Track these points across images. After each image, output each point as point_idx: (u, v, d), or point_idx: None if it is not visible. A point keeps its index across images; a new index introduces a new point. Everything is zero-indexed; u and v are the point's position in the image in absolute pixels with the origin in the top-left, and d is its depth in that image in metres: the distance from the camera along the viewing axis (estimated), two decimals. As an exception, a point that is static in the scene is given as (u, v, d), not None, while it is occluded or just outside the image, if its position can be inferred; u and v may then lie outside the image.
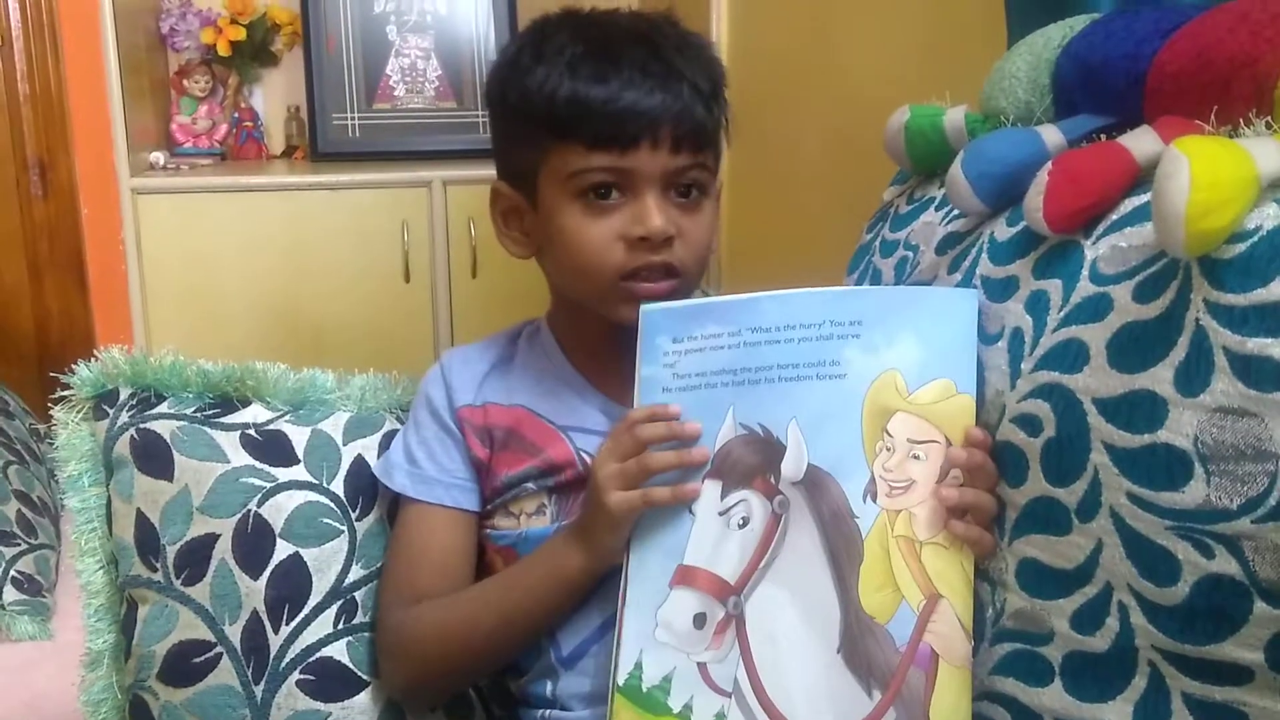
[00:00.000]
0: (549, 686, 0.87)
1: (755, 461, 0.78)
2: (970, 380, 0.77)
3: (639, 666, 0.77)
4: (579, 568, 0.83)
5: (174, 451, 0.94)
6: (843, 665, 0.74)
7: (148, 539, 0.93)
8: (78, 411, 0.96)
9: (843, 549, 0.76)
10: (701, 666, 0.76)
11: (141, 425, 0.95)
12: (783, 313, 0.79)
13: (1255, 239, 0.63)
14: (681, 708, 0.76)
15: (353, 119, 2.29)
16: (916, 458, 0.77)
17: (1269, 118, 0.67)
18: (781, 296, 0.80)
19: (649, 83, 0.83)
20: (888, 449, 0.77)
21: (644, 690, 0.77)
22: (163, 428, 0.95)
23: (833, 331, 0.78)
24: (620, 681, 0.78)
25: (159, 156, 2.22)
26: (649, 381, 0.81)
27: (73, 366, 0.97)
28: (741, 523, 0.78)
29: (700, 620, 0.77)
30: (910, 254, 0.97)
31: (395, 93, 2.31)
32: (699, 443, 0.78)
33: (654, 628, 0.77)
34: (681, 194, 0.87)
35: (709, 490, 0.78)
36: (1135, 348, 0.68)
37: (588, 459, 0.89)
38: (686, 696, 0.76)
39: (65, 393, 0.97)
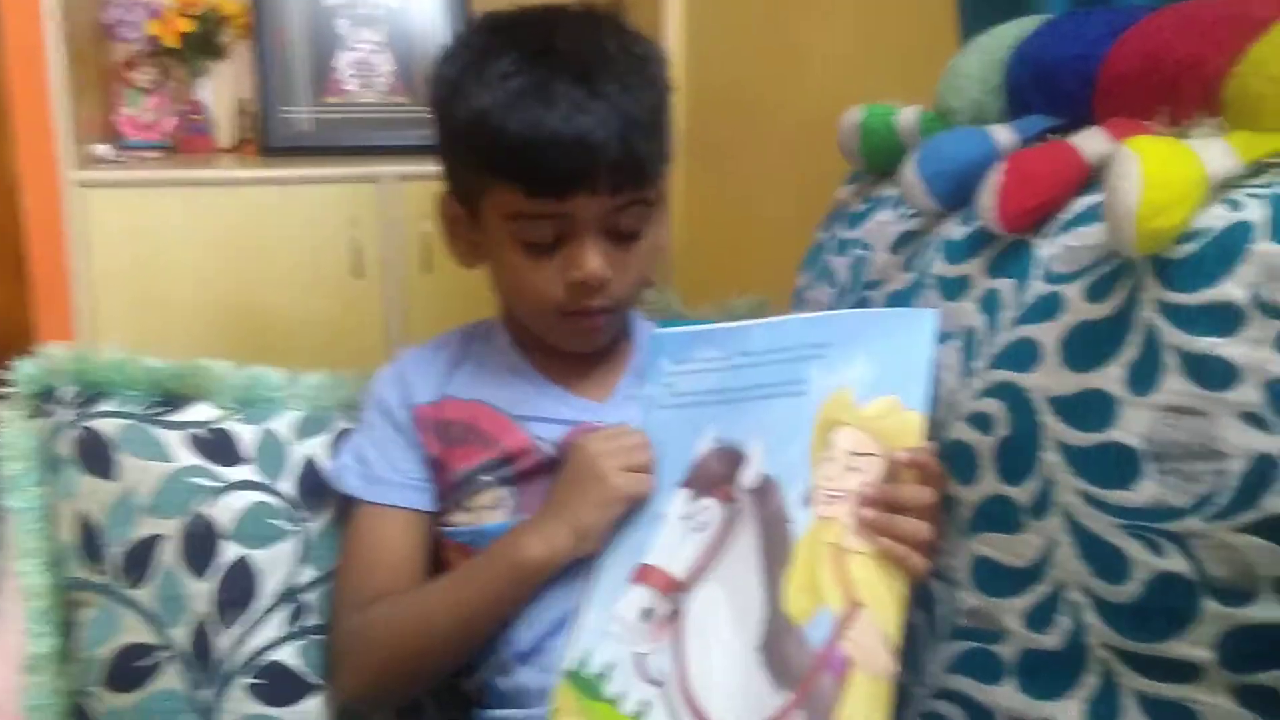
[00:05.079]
0: (505, 683, 0.86)
1: (722, 471, 0.82)
2: (920, 397, 0.78)
3: (587, 655, 0.81)
4: (541, 558, 0.83)
5: (118, 451, 0.92)
6: (759, 663, 0.75)
7: (91, 540, 0.91)
8: (19, 409, 0.94)
9: (775, 551, 0.78)
10: (640, 658, 0.79)
11: (85, 424, 0.93)
12: (768, 338, 0.86)
13: (1205, 239, 0.64)
14: (615, 695, 0.78)
15: (303, 113, 2.26)
16: (854, 469, 0.77)
17: (1218, 118, 0.68)
18: (770, 324, 0.88)
19: (585, 124, 0.82)
20: (829, 459, 0.78)
21: (586, 677, 0.80)
22: (107, 426, 0.93)
23: (803, 353, 0.83)
24: (568, 668, 0.81)
25: (105, 149, 2.17)
26: (649, 399, 0.90)
27: (13, 363, 0.94)
28: (701, 526, 0.81)
29: (647, 615, 0.80)
30: (865, 253, 0.97)
31: (346, 87, 2.28)
32: (680, 455, 0.84)
33: (609, 621, 0.81)
34: (621, 235, 0.87)
35: (680, 497, 0.83)
36: (1087, 347, 0.68)
37: (547, 447, 0.89)
38: (621, 686, 0.78)
39: (6, 390, 0.94)
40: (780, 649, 0.75)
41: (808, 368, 0.83)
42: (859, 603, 0.74)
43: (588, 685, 0.80)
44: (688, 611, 0.79)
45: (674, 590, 0.80)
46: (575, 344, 0.93)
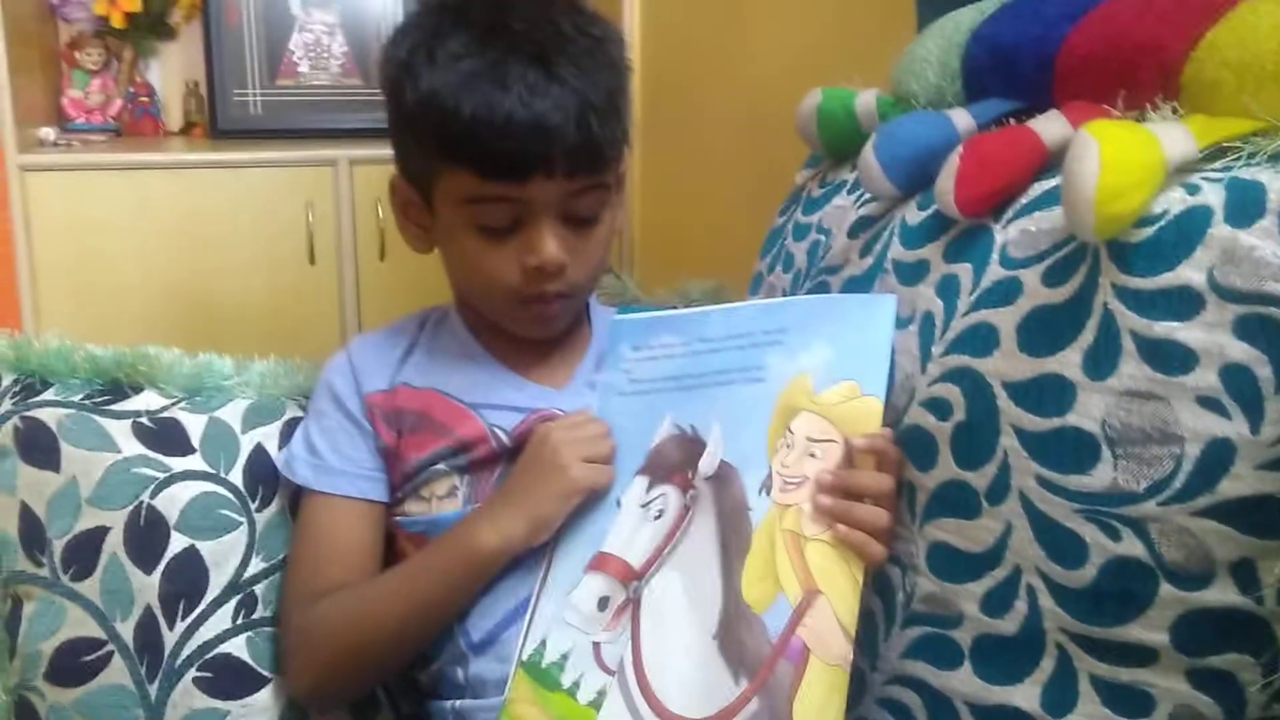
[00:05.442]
0: (459, 673, 0.85)
1: (680, 459, 0.82)
2: (878, 383, 0.78)
3: (543, 644, 0.80)
4: (495, 547, 0.82)
5: (61, 441, 0.89)
6: (716, 651, 0.75)
7: (32, 533, 0.88)
8: (-44, 399, 0.91)
9: (733, 539, 0.78)
10: (596, 646, 0.78)
11: (26, 413, 0.90)
12: (727, 324, 0.86)
13: (1162, 223, 0.63)
14: (570, 684, 0.78)
15: (255, 95, 2.22)
16: (813, 455, 0.78)
17: (1175, 103, 0.68)
18: (729, 310, 0.88)
19: (542, 106, 0.80)
20: (788, 445, 0.78)
21: (543, 666, 0.79)
22: (49, 415, 0.90)
23: (762, 339, 0.83)
24: (524, 657, 0.80)
25: (49, 132, 2.13)
26: (607, 386, 0.89)
27: (-50, 352, 0.92)
28: (658, 514, 0.81)
29: (604, 603, 0.79)
30: (822, 238, 0.96)
31: (299, 69, 2.24)
32: (638, 442, 0.83)
33: (565, 610, 0.80)
34: (578, 219, 0.86)
35: (637, 484, 0.82)
36: (1044, 331, 0.68)
37: (502, 435, 0.88)
38: (577, 674, 0.78)
39: (-58, 380, 0.91)
40: (738, 637, 0.75)
41: (766, 354, 0.82)
42: (816, 590, 0.74)
43: (544, 675, 0.79)
44: (644, 600, 0.79)
45: (631, 579, 0.79)
46: (532, 330, 0.92)
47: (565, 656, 0.79)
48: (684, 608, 0.77)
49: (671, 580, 0.79)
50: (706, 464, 0.80)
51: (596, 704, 0.76)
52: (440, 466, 0.88)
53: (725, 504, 0.79)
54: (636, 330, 0.90)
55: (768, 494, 0.78)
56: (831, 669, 0.72)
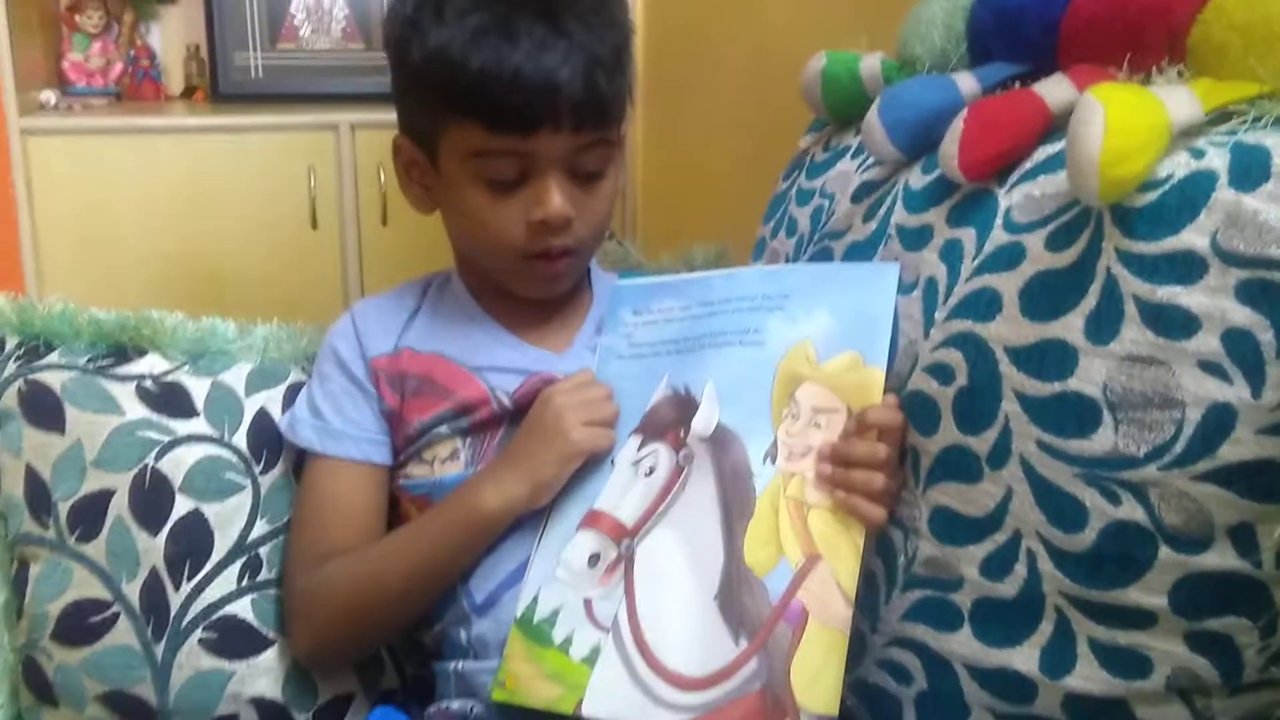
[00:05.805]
0: (462, 634, 0.86)
1: (672, 417, 0.82)
2: (881, 353, 0.78)
3: (535, 601, 0.81)
4: (497, 509, 0.83)
5: (65, 403, 0.90)
6: (717, 611, 0.76)
7: (38, 495, 0.89)
8: (-40, 363, 0.92)
9: (735, 503, 0.78)
10: (587, 603, 0.79)
11: (30, 376, 0.91)
12: (728, 288, 0.87)
13: (1166, 187, 0.63)
14: (563, 640, 0.78)
15: (256, 59, 2.21)
16: (818, 426, 0.78)
17: (1181, 65, 0.68)
18: (730, 274, 0.89)
19: (550, 60, 0.81)
20: (793, 415, 0.79)
21: (534, 623, 0.80)
22: (53, 379, 0.90)
23: (762, 304, 0.84)
24: (518, 614, 0.81)
25: (50, 96, 2.12)
26: (607, 350, 0.89)
27: (-47, 316, 0.92)
28: (648, 471, 0.81)
29: (594, 560, 0.80)
30: (826, 202, 0.96)
31: (300, 33, 2.23)
32: (636, 405, 0.84)
33: (556, 566, 0.81)
34: (584, 174, 0.87)
35: (631, 443, 0.83)
36: (1047, 296, 0.68)
37: (503, 397, 0.88)
38: (569, 630, 0.79)
39: (-53, 343, 0.92)
40: (738, 599, 0.75)
41: (767, 318, 0.83)
42: (817, 555, 0.74)
43: (536, 631, 0.80)
44: (638, 557, 0.79)
45: (622, 536, 0.80)
46: (536, 289, 0.92)
47: (556, 613, 0.79)
48: (683, 567, 0.78)
49: (667, 539, 0.79)
50: (701, 424, 0.81)
51: (590, 660, 0.77)
52: (442, 429, 0.88)
53: (725, 467, 0.79)
54: (637, 295, 0.91)
55: (772, 462, 0.78)
56: (830, 631, 0.72)
